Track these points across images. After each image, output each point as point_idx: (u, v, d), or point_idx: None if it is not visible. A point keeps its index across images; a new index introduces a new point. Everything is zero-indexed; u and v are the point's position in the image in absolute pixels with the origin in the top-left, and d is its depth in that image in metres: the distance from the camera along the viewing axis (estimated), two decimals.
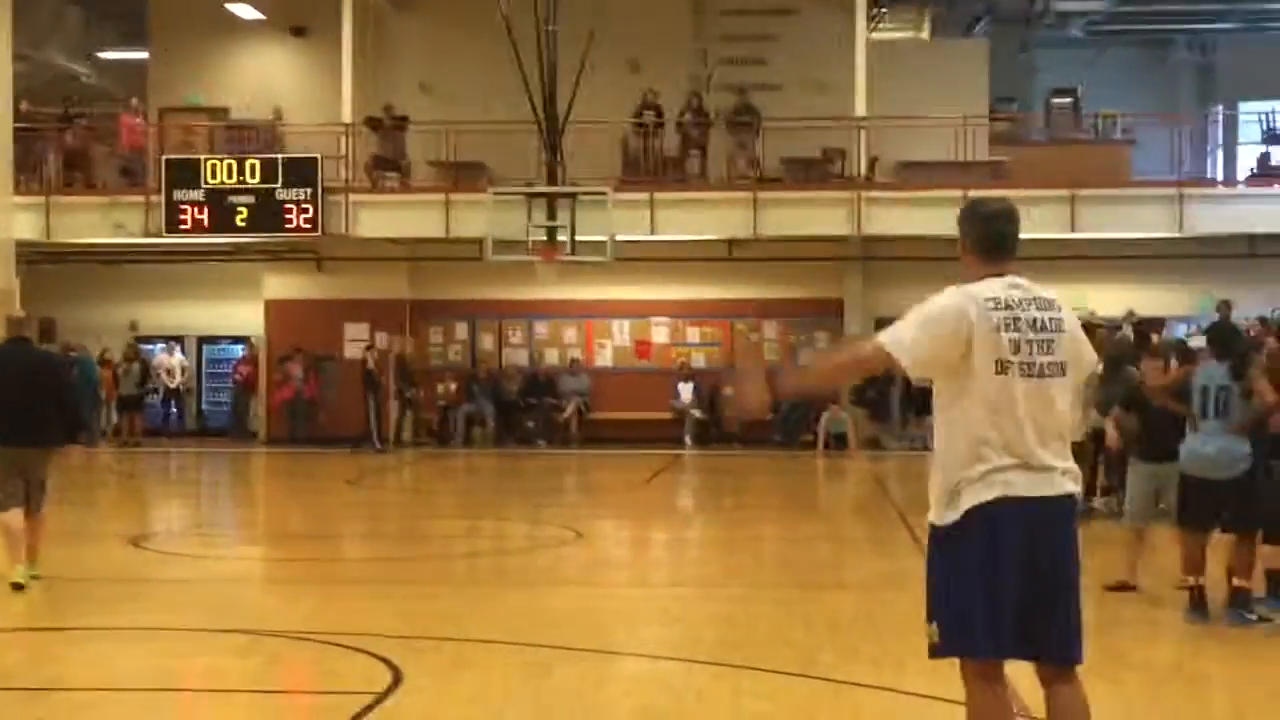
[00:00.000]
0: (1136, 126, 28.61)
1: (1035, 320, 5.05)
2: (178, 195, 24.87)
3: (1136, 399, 10.97)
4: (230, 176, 24.77)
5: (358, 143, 26.06)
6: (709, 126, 26.46)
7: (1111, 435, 12.83)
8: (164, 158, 25.34)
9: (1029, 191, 24.79)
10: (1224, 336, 10.09)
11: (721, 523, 17.40)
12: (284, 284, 28.07)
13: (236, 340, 29.09)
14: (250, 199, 24.79)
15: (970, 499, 4.96)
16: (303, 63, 28.77)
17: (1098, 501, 15.85)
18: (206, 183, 24.77)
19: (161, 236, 25.34)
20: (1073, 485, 5.07)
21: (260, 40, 28.97)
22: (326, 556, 14.15)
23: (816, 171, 26.33)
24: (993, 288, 5.09)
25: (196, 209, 24.82)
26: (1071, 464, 5.10)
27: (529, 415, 27.24)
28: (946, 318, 5.01)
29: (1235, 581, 9.63)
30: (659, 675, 8.39)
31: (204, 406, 29.16)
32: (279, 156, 25.30)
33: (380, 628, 9.55)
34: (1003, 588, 4.91)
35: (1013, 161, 26.37)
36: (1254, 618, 9.57)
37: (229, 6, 28.08)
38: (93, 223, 25.85)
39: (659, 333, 28.09)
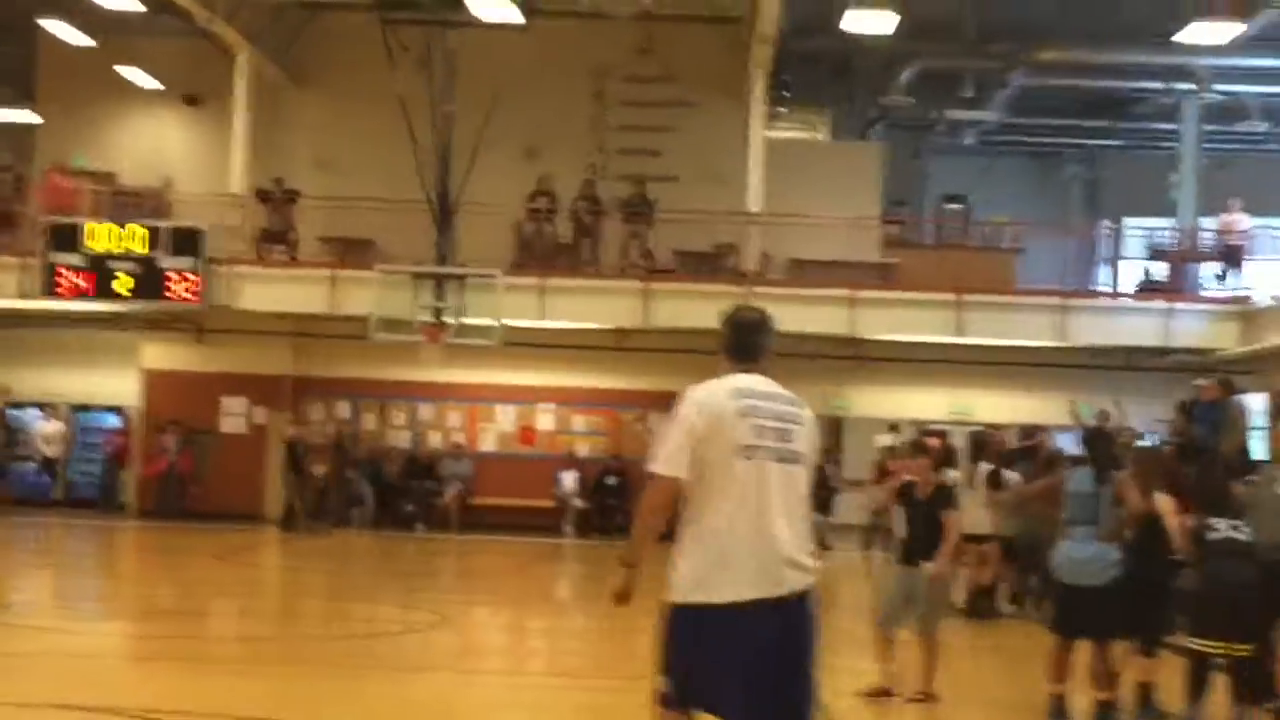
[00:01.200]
0: (1025, 236, 29.09)
1: (780, 414, 5.63)
2: (57, 258, 24.29)
3: (905, 498, 10.76)
4: (113, 242, 24.27)
5: (247, 215, 25.71)
6: (603, 215, 26.46)
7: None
8: (44, 220, 24.78)
9: (917, 295, 25.19)
10: (1093, 443, 10.12)
11: (597, 613, 17.13)
12: (163, 354, 27.50)
13: (111, 409, 28.41)
14: (133, 266, 24.27)
15: (710, 592, 5.46)
16: (195, 132, 28.42)
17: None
18: (88, 247, 24.24)
19: (38, 300, 24.72)
20: (802, 580, 5.53)
21: (152, 107, 28.57)
22: (188, 633, 13.72)
23: (708, 265, 26.39)
24: (740, 381, 5.70)
25: (76, 274, 24.25)
26: (806, 555, 5.56)
27: (409, 498, 26.83)
28: (696, 415, 5.57)
29: (1100, 695, 9.57)
30: None
31: (73, 477, 28.36)
32: (163, 224, 24.81)
33: (235, 709, 9.23)
34: (733, 663, 5.44)
35: (902, 264, 26.68)
36: None
37: (121, 71, 27.70)
38: None
39: (544, 419, 27.85)
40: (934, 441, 19.60)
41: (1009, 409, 27.15)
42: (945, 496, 10.70)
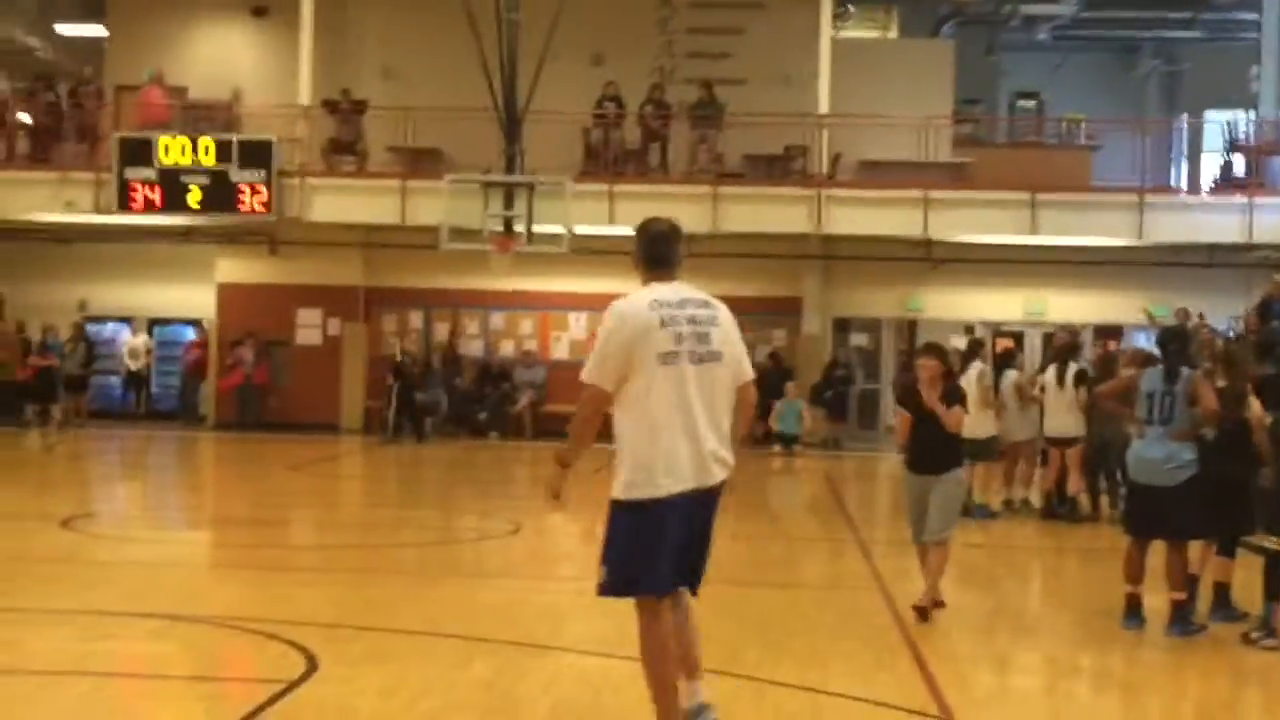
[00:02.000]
0: (1100, 133, 28.55)
1: (695, 317, 6.17)
2: (130, 174, 24.47)
3: (910, 401, 9.94)
4: (184, 156, 24.39)
5: (315, 126, 25.73)
6: (670, 119, 26.24)
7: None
8: (117, 135, 24.93)
9: (990, 194, 24.84)
10: (1167, 342, 9.93)
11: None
12: (236, 267, 27.70)
13: (188, 323, 28.70)
14: (204, 179, 24.42)
15: (657, 486, 6.07)
16: (262, 43, 28.41)
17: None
18: (160, 162, 24.39)
19: (112, 214, 24.94)
20: (723, 472, 6.22)
21: (220, 19, 28.56)
22: (261, 542, 13.87)
23: (778, 168, 26.15)
24: (657, 291, 6.23)
25: (149, 188, 24.42)
26: (725, 447, 6.21)
27: (483, 406, 26.97)
28: (620, 328, 6.14)
29: (1173, 595, 9.46)
30: (578, 670, 8.20)
31: (154, 390, 28.74)
32: (233, 137, 24.92)
33: (303, 615, 9.33)
34: (673, 547, 6.16)
35: (975, 163, 26.30)
36: (1195, 628, 9.43)
37: None
38: (43, 199, 25.43)
39: None
40: (1007, 342, 19.54)
41: (1086, 309, 26.89)
42: (953, 392, 9.88)
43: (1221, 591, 9.87)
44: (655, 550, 6.12)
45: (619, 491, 6.16)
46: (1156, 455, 9.39)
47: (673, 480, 6.09)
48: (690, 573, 6.32)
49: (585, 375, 6.16)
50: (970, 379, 15.63)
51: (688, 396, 6.09)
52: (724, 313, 6.29)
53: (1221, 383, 9.93)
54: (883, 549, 13.59)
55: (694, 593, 6.44)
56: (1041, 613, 11.10)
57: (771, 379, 26.48)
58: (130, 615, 9.37)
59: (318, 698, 7.28)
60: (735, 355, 6.29)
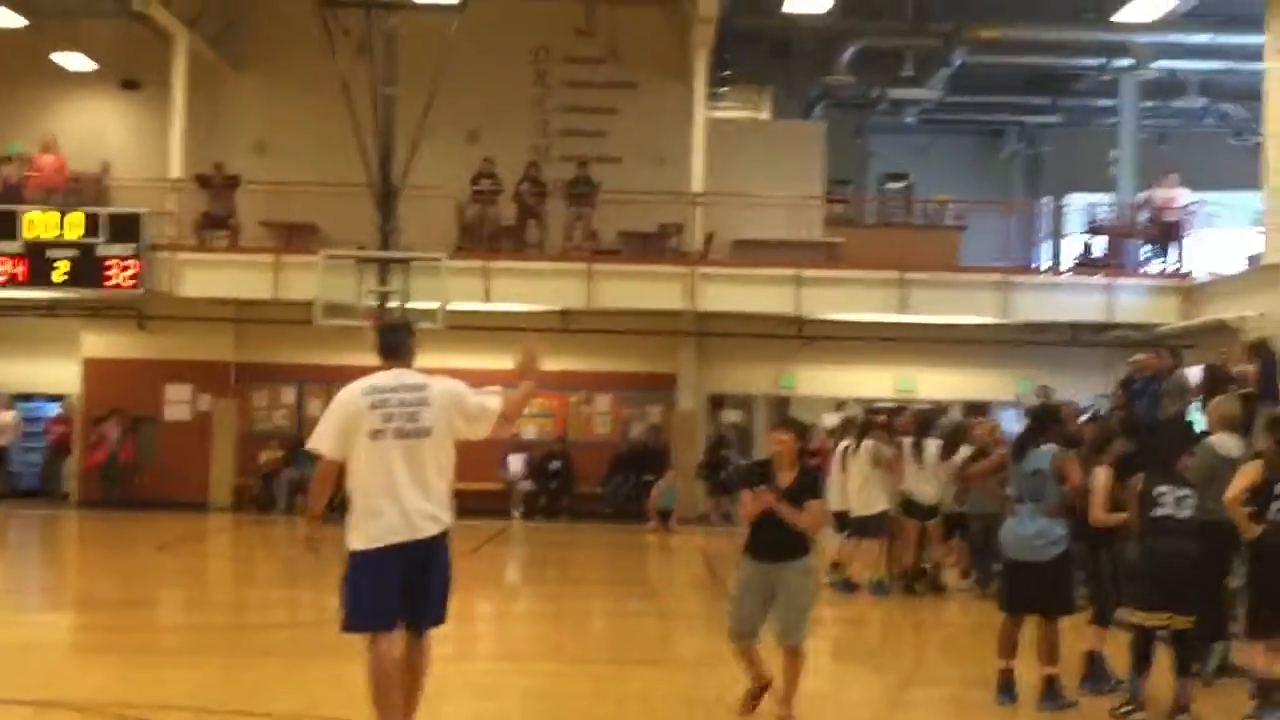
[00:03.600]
0: (967, 213, 29.24)
1: (405, 400, 7.33)
2: None
3: (756, 481, 8.97)
4: (50, 230, 23.99)
5: (186, 200, 25.48)
6: (546, 196, 26.39)
7: None
8: None
9: (861, 273, 25.27)
10: (1041, 419, 10.16)
11: (545, 596, 17.15)
12: (103, 342, 27.23)
13: (51, 399, 28.11)
14: (71, 253, 24.00)
15: (366, 541, 7.30)
16: (133, 117, 28.15)
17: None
18: (24, 235, 23.94)
19: None
20: (435, 527, 7.35)
21: (90, 92, 28.25)
22: (129, 624, 13.57)
23: (653, 245, 26.39)
24: (377, 379, 7.43)
25: (13, 261, 23.95)
26: (436, 506, 7.36)
27: None
28: (338, 409, 7.39)
29: (1045, 670, 9.63)
30: None
31: (12, 467, 28.00)
32: (101, 210, 24.56)
33: (174, 699, 9.17)
34: (389, 591, 7.31)
35: (846, 243, 26.76)
36: (1066, 703, 9.59)
37: (56, 57, 27.37)
38: None
39: (490, 403, 27.70)
40: (881, 419, 19.75)
41: (955, 385, 27.38)
42: (810, 483, 8.95)
43: (1091, 659, 10.07)
44: (374, 592, 7.30)
45: (348, 543, 7.38)
46: (1027, 532, 9.58)
47: (381, 534, 7.28)
48: (416, 613, 7.40)
49: (313, 444, 7.39)
50: (862, 456, 15.93)
51: (392, 466, 7.29)
52: (437, 392, 7.45)
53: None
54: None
55: (420, 631, 7.47)
56: (917, 689, 11.20)
57: (651, 456, 26.66)
58: None
59: None
60: (448, 426, 7.45)
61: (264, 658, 11.40)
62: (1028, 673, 9.79)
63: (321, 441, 7.39)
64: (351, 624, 7.40)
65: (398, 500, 7.31)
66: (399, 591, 7.32)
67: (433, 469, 7.43)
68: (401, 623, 7.42)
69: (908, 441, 16.36)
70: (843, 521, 16.56)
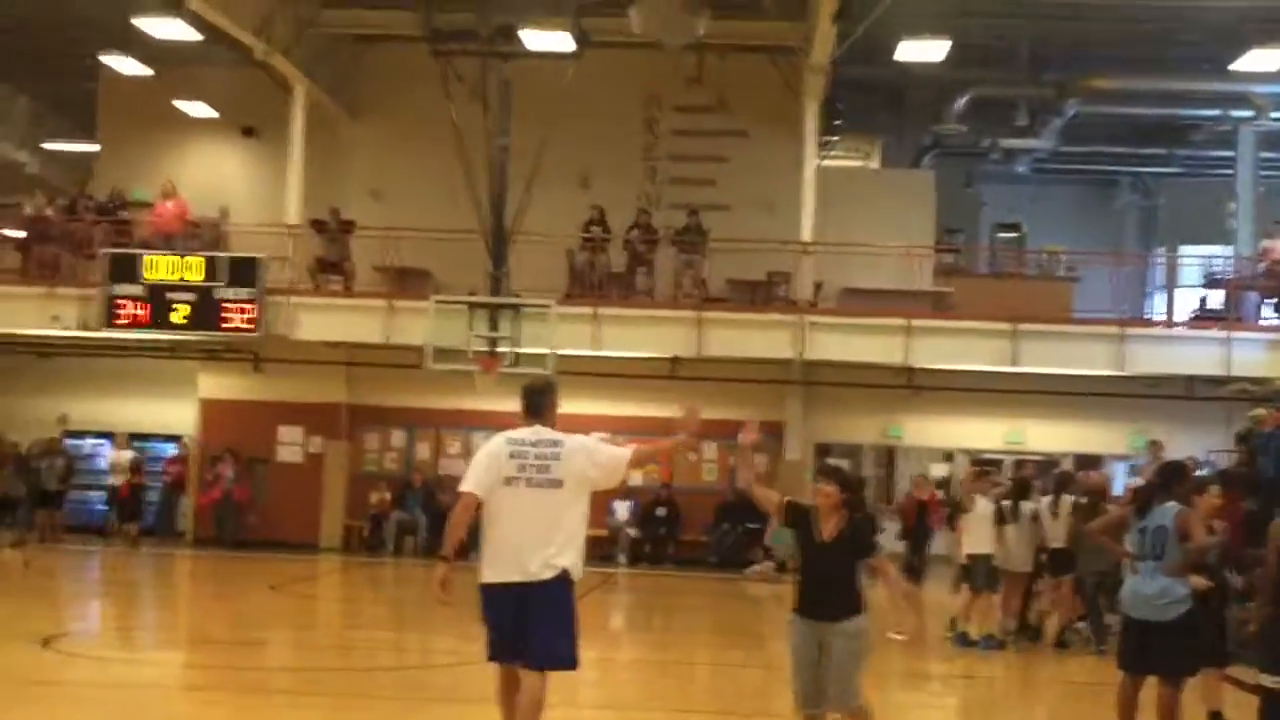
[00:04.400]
0: (1079, 264, 28.91)
1: (540, 454, 8.01)
2: (117, 290, 24.52)
3: (800, 529, 8.39)
4: (171, 273, 24.49)
5: (302, 245, 25.90)
6: (656, 244, 26.49)
7: None
8: (104, 251, 25.03)
9: (971, 323, 25.02)
10: (1166, 475, 9.98)
11: (650, 644, 17.12)
12: (219, 384, 27.71)
13: (168, 439, 28.62)
14: (191, 296, 24.48)
15: (490, 574, 7.95)
16: (252, 163, 28.71)
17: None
18: (146, 278, 24.47)
19: (99, 330, 24.95)
20: (548, 573, 7.88)
21: (210, 138, 28.89)
22: (242, 664, 13.75)
23: (761, 293, 26.36)
24: (518, 433, 8.13)
25: (135, 304, 24.47)
26: (556, 552, 7.90)
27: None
28: (485, 457, 8.08)
29: None
30: None
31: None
32: (221, 255, 25.06)
33: None
34: (497, 623, 7.97)
35: (956, 292, 26.55)
36: None
37: (179, 104, 28.02)
38: (28, 313, 25.45)
39: None
40: (973, 469, 19.51)
41: (1065, 438, 27.03)
42: (857, 535, 8.34)
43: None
44: (490, 625, 8.01)
45: (482, 576, 8.04)
46: (1149, 591, 9.41)
47: (494, 572, 7.95)
48: (526, 652, 7.90)
49: (461, 485, 8.04)
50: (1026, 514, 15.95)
51: (522, 511, 7.93)
52: (569, 449, 8.09)
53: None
54: (886, 680, 13.50)
55: (531, 667, 7.92)
56: None
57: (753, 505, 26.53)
58: None
59: None
60: (580, 479, 8.06)
61: (375, 700, 11.49)
62: None
63: (470, 481, 8.05)
64: (488, 653, 8.16)
65: (515, 542, 7.92)
66: (512, 628, 7.89)
67: (559, 516, 8.02)
68: (516, 658, 7.95)
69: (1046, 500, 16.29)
70: (966, 574, 16.45)
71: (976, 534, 16.26)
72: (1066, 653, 15.88)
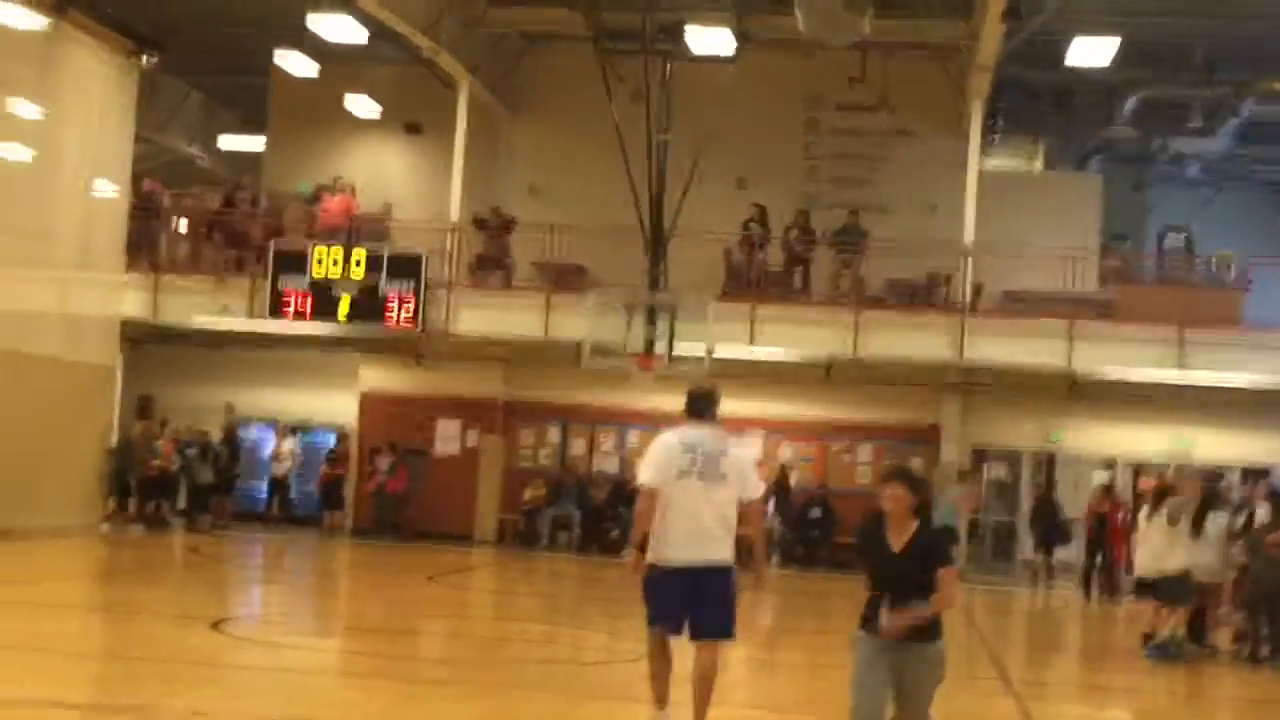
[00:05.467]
0: (1252, 270, 28.13)
1: (708, 451, 8.87)
2: (283, 282, 25.07)
3: (871, 543, 7.49)
4: (336, 267, 24.96)
5: (463, 241, 26.21)
6: (814, 244, 26.35)
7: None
8: (272, 244, 25.60)
9: (1137, 329, 24.51)
10: None
11: (803, 645, 17.02)
12: (380, 376, 28.19)
13: (330, 429, 29.18)
14: (354, 290, 24.93)
15: (665, 556, 8.81)
16: (415, 159, 29.17)
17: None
18: (312, 272, 24.97)
19: (264, 320, 25.51)
20: (719, 555, 8.80)
21: (374, 135, 29.41)
22: (404, 653, 13.96)
23: (920, 295, 26.10)
24: (687, 432, 8.98)
25: (300, 297, 25.00)
26: (724, 541, 8.82)
27: (615, 523, 26.98)
28: (659, 452, 8.96)
29: None
30: None
31: (293, 495, 29.15)
32: (385, 250, 25.48)
33: None
34: (669, 600, 8.88)
35: (1121, 298, 26.01)
36: None
37: (347, 101, 28.54)
38: (199, 305, 26.13)
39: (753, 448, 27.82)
40: (1149, 482, 19.14)
41: (1233, 448, 26.36)
42: (931, 546, 7.37)
43: None
44: (659, 599, 8.90)
45: (650, 557, 8.89)
46: None
47: (674, 553, 8.79)
48: (696, 622, 8.86)
49: (640, 479, 8.96)
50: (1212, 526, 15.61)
51: (695, 502, 8.81)
52: (734, 451, 9.05)
53: None
54: (1032, 689, 13.30)
55: (698, 637, 8.90)
56: None
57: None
58: None
59: None
60: (740, 478, 8.95)
61: (536, 693, 11.56)
62: None
63: (649, 475, 8.94)
64: (649, 619, 9.01)
65: (691, 529, 8.81)
66: (681, 604, 8.83)
67: (726, 505, 8.91)
68: (684, 629, 8.93)
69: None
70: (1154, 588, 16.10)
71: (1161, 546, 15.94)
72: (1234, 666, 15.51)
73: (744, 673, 14.80)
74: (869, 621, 7.35)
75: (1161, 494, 16.36)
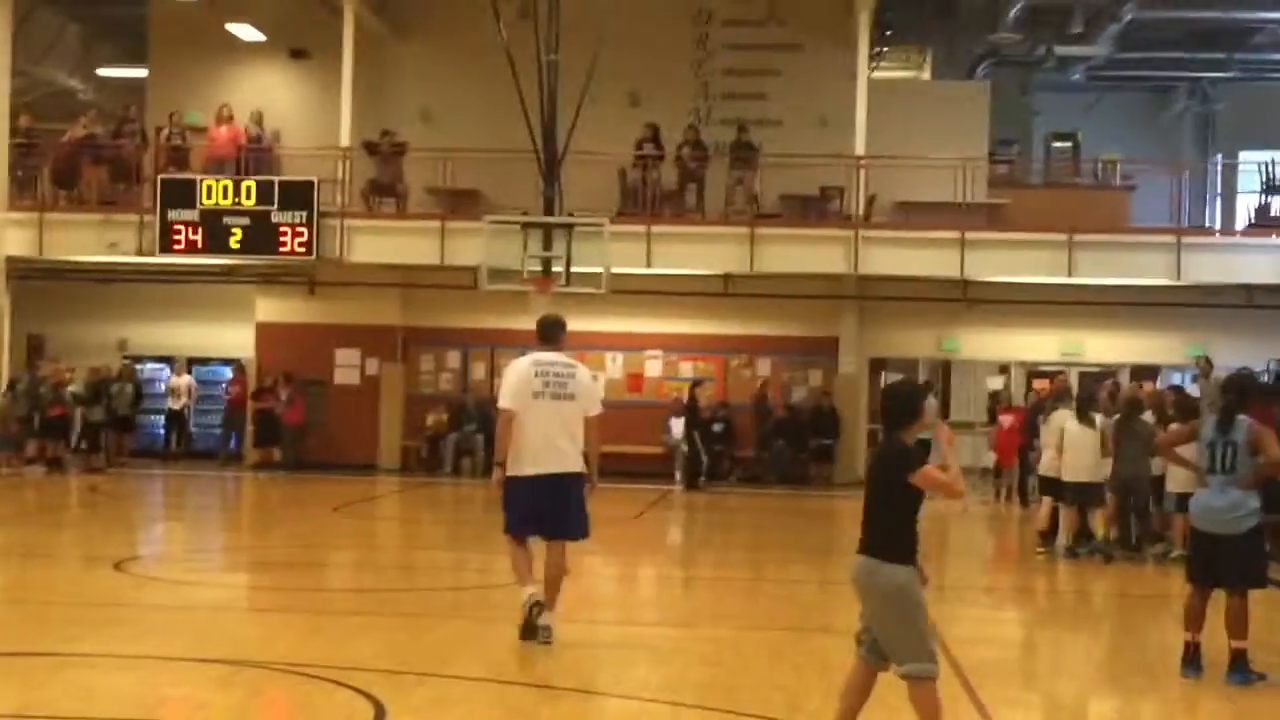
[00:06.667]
0: (1136, 173, 28.61)
1: (558, 373, 10.09)
2: (172, 215, 24.71)
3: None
4: (225, 198, 24.63)
5: (355, 168, 25.94)
6: (707, 160, 26.38)
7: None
8: (159, 177, 25.18)
9: (1026, 235, 24.87)
10: (1227, 390, 9.94)
11: (711, 561, 17.24)
12: (276, 307, 27.90)
13: (226, 362, 28.89)
14: (245, 221, 24.64)
15: (523, 468, 10.00)
16: (301, 85, 28.71)
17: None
18: (201, 203, 24.62)
19: (155, 256, 25.16)
20: (570, 466, 10.05)
21: (259, 61, 28.87)
22: (313, 586, 13.96)
23: (814, 209, 26.26)
24: (539, 356, 10.18)
25: (190, 229, 24.66)
26: (574, 452, 10.07)
27: None
28: (515, 377, 10.12)
29: (1233, 644, 9.45)
30: (646, 718, 8.20)
31: (191, 429, 28.90)
32: (275, 179, 25.16)
33: (364, 661, 9.39)
34: (528, 507, 10.08)
35: (1011, 204, 26.36)
36: (1255, 676, 9.41)
37: (229, 27, 28.00)
38: (86, 240, 25.69)
39: (652, 366, 27.96)
40: (1043, 384, 19.57)
41: (1122, 349, 26.91)
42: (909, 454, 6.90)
43: None
44: (518, 507, 10.07)
45: (509, 469, 10.04)
46: (1219, 504, 9.40)
47: (531, 466, 9.96)
48: (551, 526, 10.12)
49: (500, 403, 10.16)
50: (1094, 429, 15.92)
51: (548, 419, 9.98)
52: (581, 371, 10.25)
53: None
54: (942, 594, 13.56)
55: (555, 537, 10.15)
56: (1099, 659, 11.09)
57: (822, 420, 26.66)
58: (195, 661, 9.45)
59: None
60: (585, 396, 10.14)
61: (445, 620, 11.64)
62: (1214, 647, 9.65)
63: (506, 398, 10.08)
64: (507, 526, 10.20)
65: (547, 442, 9.97)
66: (539, 510, 10.01)
67: (575, 422, 10.10)
68: (540, 533, 10.14)
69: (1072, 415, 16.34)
70: (1057, 489, 16.50)
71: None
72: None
73: (659, 590, 15.01)
74: (866, 545, 7.02)
75: (1089, 399, 16.68)
